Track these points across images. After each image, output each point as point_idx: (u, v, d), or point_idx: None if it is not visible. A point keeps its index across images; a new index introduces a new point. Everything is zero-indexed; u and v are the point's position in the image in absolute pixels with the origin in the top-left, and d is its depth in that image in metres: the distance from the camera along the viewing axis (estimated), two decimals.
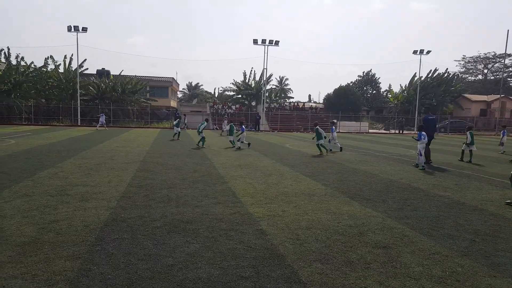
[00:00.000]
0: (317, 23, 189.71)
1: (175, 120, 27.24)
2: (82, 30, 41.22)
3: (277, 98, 59.64)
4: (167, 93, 58.42)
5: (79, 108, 42.45)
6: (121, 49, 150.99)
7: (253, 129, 41.97)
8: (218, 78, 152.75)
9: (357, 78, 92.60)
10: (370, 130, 52.45)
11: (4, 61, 42.99)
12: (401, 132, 48.11)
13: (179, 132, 25.15)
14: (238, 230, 5.75)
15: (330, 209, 7.15)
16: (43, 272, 4.11)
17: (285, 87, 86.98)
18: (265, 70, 47.81)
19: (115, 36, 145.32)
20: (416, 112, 51.80)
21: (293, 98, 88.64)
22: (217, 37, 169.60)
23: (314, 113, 54.50)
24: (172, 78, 61.72)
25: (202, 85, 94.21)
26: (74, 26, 40.95)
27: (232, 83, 57.22)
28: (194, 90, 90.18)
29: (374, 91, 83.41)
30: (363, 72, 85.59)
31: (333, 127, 19.47)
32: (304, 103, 70.28)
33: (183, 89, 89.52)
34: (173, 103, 61.21)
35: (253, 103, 55.57)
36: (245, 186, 9.11)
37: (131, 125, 43.34)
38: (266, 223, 6.12)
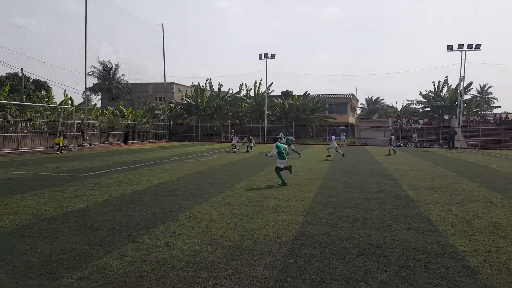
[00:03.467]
0: None
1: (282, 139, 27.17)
2: (271, 57, 45.86)
3: (477, 109, 51.72)
4: (346, 110, 58.55)
5: (265, 126, 47.02)
6: (304, 69, 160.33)
7: (445, 146, 37.47)
8: (401, 91, 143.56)
9: None
10: None
11: (209, 89, 51.65)
12: None
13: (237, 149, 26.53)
14: (439, 263, 5.03)
15: None
16: (246, 276, 4.51)
17: (487, 96, 75.01)
18: (462, 78, 41.74)
19: (299, 57, 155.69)
20: None
21: (499, 107, 75.50)
22: (399, 47, 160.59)
23: None
24: (352, 94, 61.58)
25: (383, 99, 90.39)
26: (264, 54, 45.95)
27: (421, 94, 52.65)
28: (374, 105, 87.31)
29: None
30: None
31: None
32: None
33: (361, 104, 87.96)
34: (352, 119, 60.86)
35: (446, 116, 49.47)
36: (442, 213, 8.03)
37: (310, 142, 45.17)
38: (475, 260, 5.17)
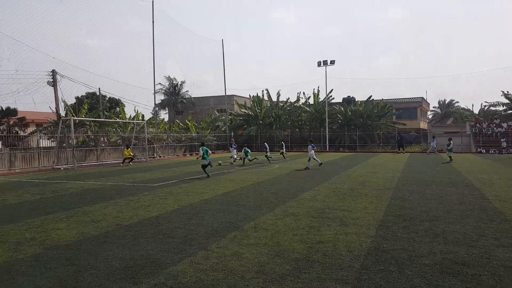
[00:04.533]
0: None
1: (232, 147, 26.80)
2: (330, 63, 45.02)
3: None
4: (416, 115, 55.33)
5: (327, 135, 46.06)
6: (367, 74, 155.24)
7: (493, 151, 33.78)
8: (477, 93, 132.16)
9: None
10: None
11: (267, 99, 52.04)
12: None
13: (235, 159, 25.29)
14: None
15: None
16: None
17: None
18: None
19: (361, 61, 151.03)
20: None
21: None
22: (472, 45, 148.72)
23: None
24: (421, 98, 58.10)
25: (457, 102, 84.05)
26: (323, 61, 45.25)
27: (504, 95, 47.91)
28: (447, 108, 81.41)
29: None
30: None
31: None
32: None
33: (434, 108, 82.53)
34: (423, 125, 57.30)
35: None
36: None
37: (378, 150, 43.25)
38: None
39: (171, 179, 16.15)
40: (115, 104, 50.17)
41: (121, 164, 25.10)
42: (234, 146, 26.94)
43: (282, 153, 28.55)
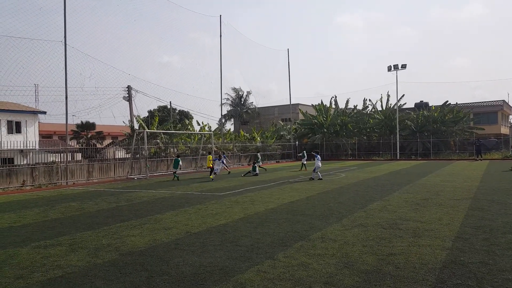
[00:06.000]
0: None
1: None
2: (401, 67, 43.12)
3: None
4: (496, 119, 50.72)
5: (398, 142, 43.93)
6: (441, 77, 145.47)
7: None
8: None
9: None
10: None
11: (334, 107, 51.12)
12: None
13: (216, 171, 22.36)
14: None
15: None
16: None
17: None
18: None
19: (434, 64, 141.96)
20: None
21: None
22: None
23: None
24: (503, 101, 53.17)
25: None
26: (393, 65, 43.46)
27: None
28: None
29: None
30: None
31: None
32: None
33: None
34: (504, 130, 52.28)
35: None
36: None
37: (453, 158, 40.27)
38: None
39: (237, 188, 16.56)
40: (184, 116, 52.86)
41: (210, 176, 21.44)
42: (222, 160, 25.16)
43: (257, 165, 24.82)
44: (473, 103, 52.77)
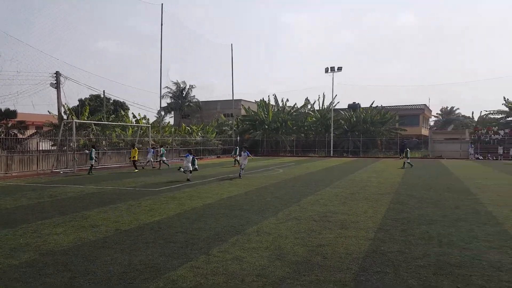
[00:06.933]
0: None
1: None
2: (337, 70, 45.33)
3: None
4: (418, 121, 55.47)
5: (331, 140, 46.20)
6: (374, 81, 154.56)
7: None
8: (481, 100, 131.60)
9: None
10: None
11: (274, 104, 52.32)
12: None
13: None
14: None
15: None
16: None
17: None
18: None
19: (368, 68, 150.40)
20: None
21: None
22: (478, 54, 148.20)
23: None
24: (424, 105, 58.31)
25: (457, 109, 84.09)
26: (330, 67, 45.55)
27: (504, 104, 48.22)
28: (448, 116, 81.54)
29: None
30: None
31: None
32: None
33: (437, 114, 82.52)
34: (425, 131, 57.41)
35: None
36: None
37: (380, 156, 43.39)
38: None
39: (175, 183, 16.26)
40: (119, 107, 50.39)
41: (135, 170, 22.89)
42: (152, 151, 26.05)
43: (235, 158, 25.81)
44: (399, 106, 57.12)
